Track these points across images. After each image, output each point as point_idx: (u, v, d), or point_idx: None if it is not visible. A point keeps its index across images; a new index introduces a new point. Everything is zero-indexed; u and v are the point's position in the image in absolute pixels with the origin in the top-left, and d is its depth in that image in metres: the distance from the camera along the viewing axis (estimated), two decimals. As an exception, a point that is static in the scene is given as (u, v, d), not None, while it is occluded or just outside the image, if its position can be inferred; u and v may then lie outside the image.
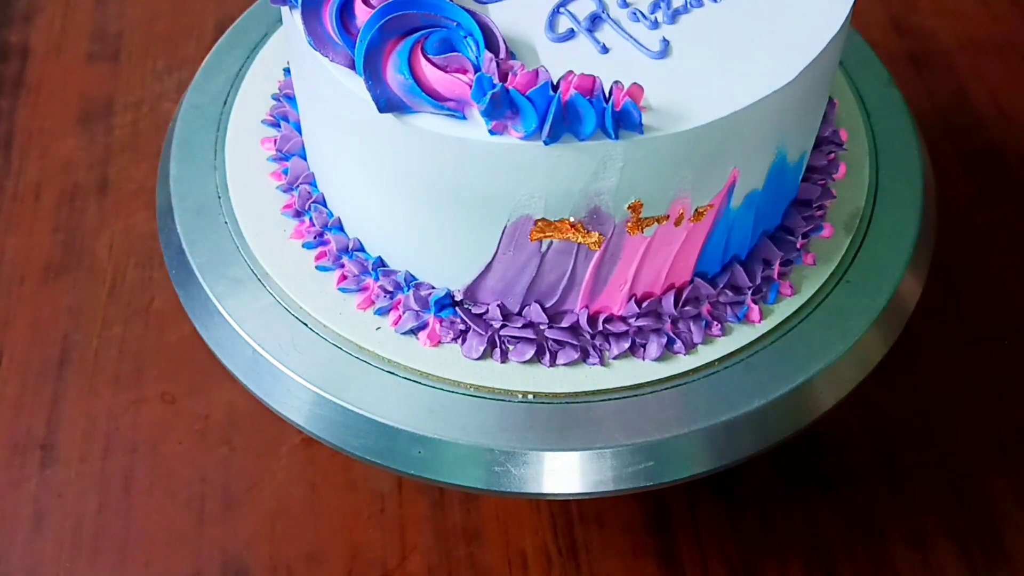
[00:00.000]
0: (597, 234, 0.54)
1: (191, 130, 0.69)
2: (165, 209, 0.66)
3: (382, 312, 0.60)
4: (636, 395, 0.58)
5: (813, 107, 0.58)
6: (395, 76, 0.51)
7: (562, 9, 0.55)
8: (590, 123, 0.49)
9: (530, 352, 0.58)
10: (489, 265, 0.57)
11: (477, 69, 0.50)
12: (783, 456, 0.74)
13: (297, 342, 0.60)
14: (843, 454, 0.75)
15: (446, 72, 0.50)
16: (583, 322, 0.58)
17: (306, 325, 0.60)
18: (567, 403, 0.58)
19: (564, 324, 0.58)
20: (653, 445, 0.57)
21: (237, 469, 0.74)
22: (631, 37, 0.54)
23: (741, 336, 0.60)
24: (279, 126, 0.68)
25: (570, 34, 0.54)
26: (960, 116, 0.95)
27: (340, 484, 0.73)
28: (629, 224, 0.54)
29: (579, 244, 0.55)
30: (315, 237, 0.63)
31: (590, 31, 0.54)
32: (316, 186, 0.64)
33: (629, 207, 0.53)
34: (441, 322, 0.59)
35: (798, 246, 0.62)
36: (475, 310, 0.59)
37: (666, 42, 0.53)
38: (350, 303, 0.61)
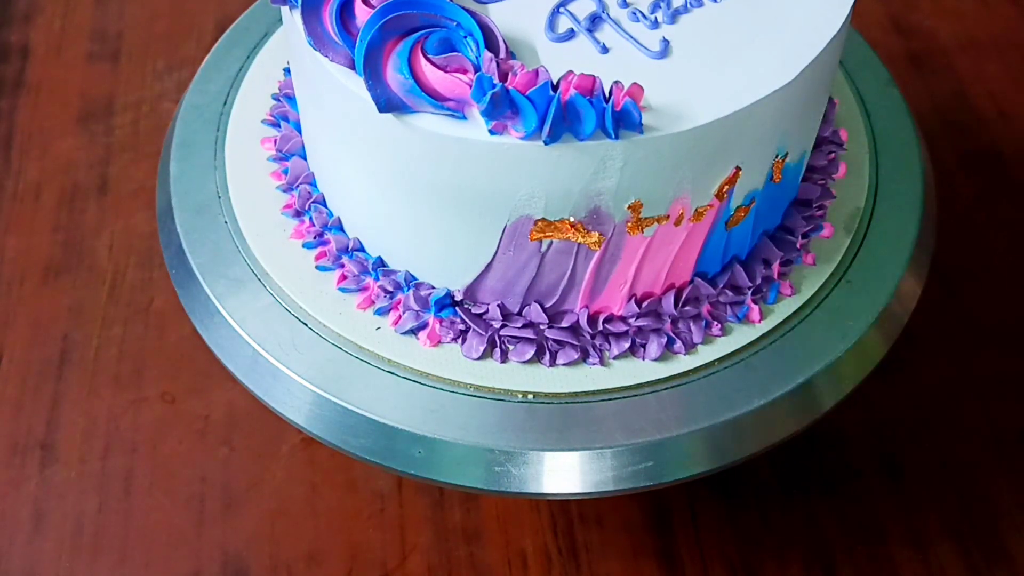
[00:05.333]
0: (597, 234, 0.54)
1: (191, 130, 0.69)
2: (165, 209, 0.66)
3: (382, 312, 0.60)
4: (636, 395, 0.58)
5: (813, 107, 0.58)
6: (395, 76, 0.51)
7: (562, 9, 0.55)
8: (590, 123, 0.49)
9: (530, 352, 0.58)
10: (489, 265, 0.57)
11: (477, 69, 0.50)
12: (783, 456, 0.74)
13: (297, 342, 0.60)
14: (843, 454, 0.75)
15: (446, 72, 0.50)
16: (583, 322, 0.58)
17: (306, 325, 0.60)
18: (567, 403, 0.58)
19: (564, 324, 0.58)
20: (653, 445, 0.57)
21: (237, 469, 0.74)
22: (631, 37, 0.54)
23: (741, 336, 0.60)
24: (279, 126, 0.68)
25: (570, 34, 0.54)
26: (960, 116, 0.95)
27: (340, 484, 0.73)
28: (629, 224, 0.54)
29: (579, 244, 0.55)
30: (315, 237, 0.63)
31: (590, 31, 0.54)
32: (316, 186, 0.64)
33: (629, 207, 0.53)
34: (441, 322, 0.59)
35: (798, 246, 0.62)
36: (475, 310, 0.59)
37: (666, 42, 0.53)
38: (350, 303, 0.61)
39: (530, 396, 0.58)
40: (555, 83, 0.49)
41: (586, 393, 0.58)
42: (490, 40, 0.51)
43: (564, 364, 0.58)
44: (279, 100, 0.69)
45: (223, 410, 0.77)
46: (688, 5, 0.55)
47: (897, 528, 0.72)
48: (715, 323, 0.60)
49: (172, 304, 0.78)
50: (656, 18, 0.54)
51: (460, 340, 0.59)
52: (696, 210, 0.55)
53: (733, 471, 0.60)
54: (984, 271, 0.85)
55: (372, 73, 0.51)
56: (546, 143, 0.49)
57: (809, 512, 0.73)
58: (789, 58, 0.53)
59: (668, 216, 0.54)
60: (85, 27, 1.01)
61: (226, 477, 0.74)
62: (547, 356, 0.58)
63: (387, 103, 0.50)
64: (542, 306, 0.58)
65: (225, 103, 0.70)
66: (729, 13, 0.55)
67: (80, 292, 0.83)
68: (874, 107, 0.70)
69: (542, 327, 0.59)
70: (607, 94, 0.49)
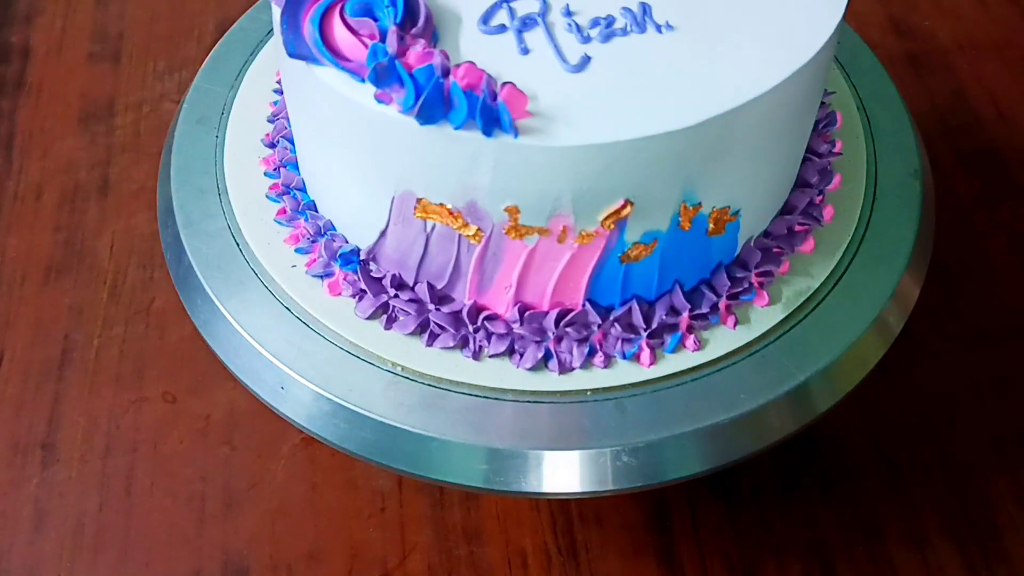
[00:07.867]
0: (476, 228, 0.54)
1: (191, 130, 0.69)
2: (166, 209, 0.66)
3: (301, 252, 0.62)
4: (636, 395, 0.58)
5: (730, 158, 0.54)
6: (309, 28, 0.52)
7: (506, 4, 0.55)
8: (461, 113, 0.49)
9: (411, 326, 0.59)
10: (383, 232, 0.58)
11: (383, 39, 0.51)
12: (783, 456, 0.74)
13: (297, 342, 0.60)
14: (843, 454, 0.75)
15: (357, 35, 0.51)
16: (465, 313, 0.58)
17: (306, 325, 0.60)
18: (567, 403, 0.58)
19: (447, 310, 0.59)
20: (653, 445, 0.57)
21: (238, 469, 0.74)
22: (555, 46, 0.53)
23: (741, 336, 0.60)
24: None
25: (501, 29, 0.54)
26: (959, 116, 0.95)
27: (340, 484, 0.73)
28: (507, 227, 0.54)
29: (460, 234, 0.55)
30: (290, 221, 0.64)
31: (519, 31, 0.54)
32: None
33: (506, 209, 0.53)
34: (345, 276, 0.60)
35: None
36: (375, 273, 0.60)
37: (587, 58, 0.53)
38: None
39: (530, 396, 0.58)
40: (448, 69, 0.50)
41: (586, 392, 0.58)
42: (413, 15, 0.52)
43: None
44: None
45: (224, 410, 0.77)
46: (627, 30, 0.54)
47: (896, 528, 0.72)
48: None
49: (173, 304, 0.78)
50: (590, 34, 0.54)
51: (358, 298, 0.60)
52: (581, 232, 0.54)
53: (733, 471, 0.60)
54: (984, 271, 0.85)
55: (290, 19, 0.52)
56: (418, 122, 0.50)
57: (809, 512, 0.73)
58: (700, 101, 0.51)
59: (549, 230, 0.54)
60: (86, 27, 1.01)
61: (227, 477, 0.74)
62: (426, 335, 0.59)
63: (296, 51, 0.52)
64: (432, 287, 0.59)
65: (225, 103, 0.70)
66: (668, 46, 0.53)
67: (81, 292, 0.83)
68: (874, 107, 0.70)
69: (429, 307, 0.59)
70: (494, 92, 0.49)
